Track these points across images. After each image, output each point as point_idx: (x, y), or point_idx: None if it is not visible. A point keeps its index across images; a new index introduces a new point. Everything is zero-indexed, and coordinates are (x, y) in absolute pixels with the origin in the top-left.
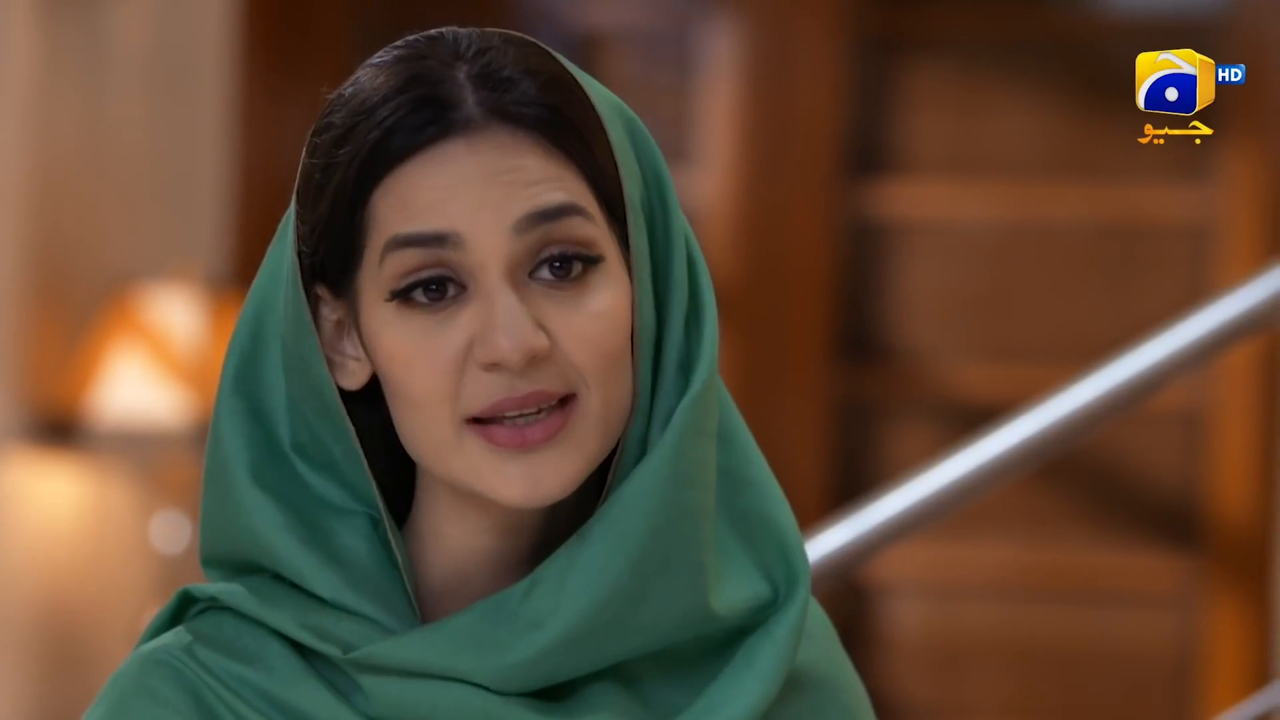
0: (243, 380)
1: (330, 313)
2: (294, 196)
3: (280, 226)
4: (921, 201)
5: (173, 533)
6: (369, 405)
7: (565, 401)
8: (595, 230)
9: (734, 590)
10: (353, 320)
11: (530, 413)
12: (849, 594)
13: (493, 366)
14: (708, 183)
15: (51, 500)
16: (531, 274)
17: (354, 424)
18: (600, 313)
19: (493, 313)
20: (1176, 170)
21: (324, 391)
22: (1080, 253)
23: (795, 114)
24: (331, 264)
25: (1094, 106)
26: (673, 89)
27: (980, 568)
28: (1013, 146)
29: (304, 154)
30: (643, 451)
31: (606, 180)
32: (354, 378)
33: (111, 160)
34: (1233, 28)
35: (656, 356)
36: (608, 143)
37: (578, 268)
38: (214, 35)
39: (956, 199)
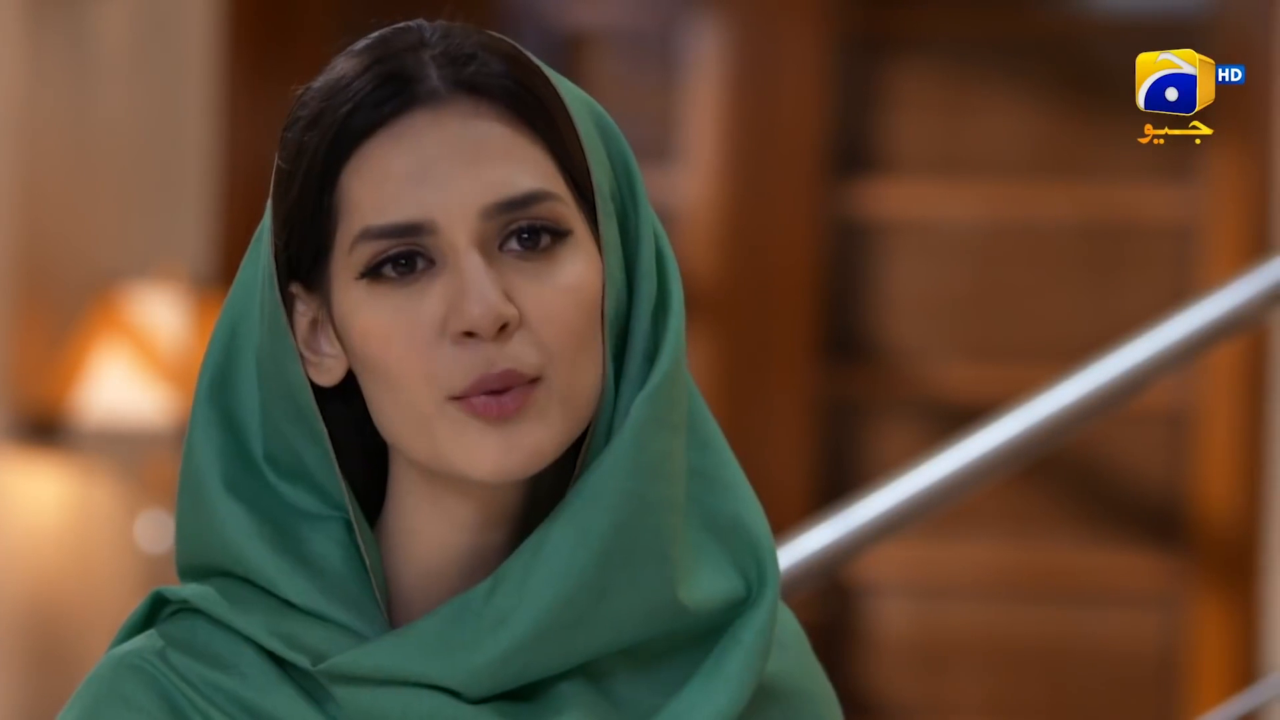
0: (217, 390)
1: (305, 310)
2: (269, 201)
3: (254, 240)
4: (906, 201)
5: (157, 532)
6: (344, 402)
7: (533, 381)
8: (562, 208)
9: (705, 584)
10: (326, 313)
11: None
12: (833, 593)
13: (466, 336)
14: (692, 182)
15: (36, 499)
16: (501, 246)
17: (328, 424)
18: (568, 286)
19: (463, 283)
20: (1161, 170)
21: (298, 394)
22: (1065, 252)
23: (780, 113)
24: (305, 253)
25: (1079, 106)
26: (657, 88)
27: (965, 567)
28: (997, 146)
29: (276, 155)
30: (609, 442)
31: (574, 162)
32: (330, 374)
33: (96, 160)
34: (1218, 28)
35: (624, 345)
36: (575, 130)
37: (546, 239)
38: (198, 35)
39: (941, 198)
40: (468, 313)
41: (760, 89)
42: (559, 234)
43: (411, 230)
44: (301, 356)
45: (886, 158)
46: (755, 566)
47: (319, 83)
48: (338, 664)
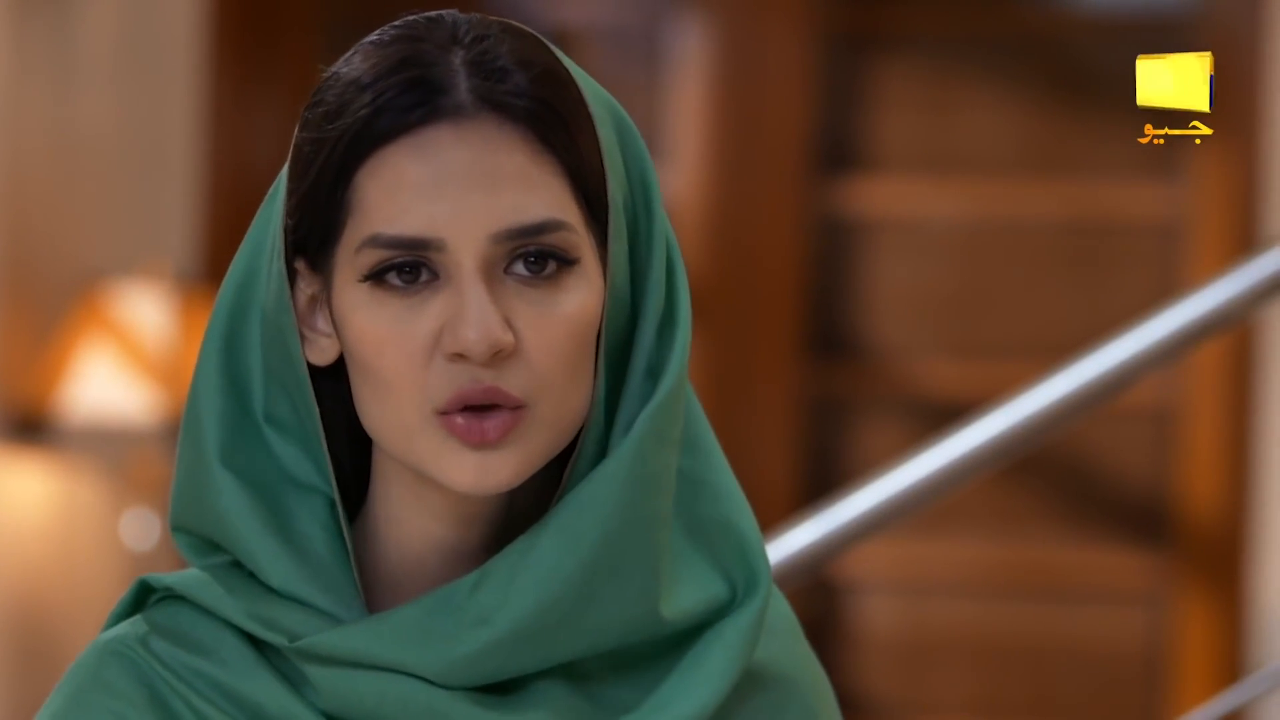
0: (226, 349)
1: (306, 286)
2: (285, 168)
3: (267, 198)
4: (891, 199)
5: (143, 530)
6: (335, 381)
7: (519, 408)
8: (573, 237)
9: (688, 595)
10: (325, 296)
11: (489, 405)
12: (818, 591)
13: (458, 357)
14: (677, 180)
15: (21, 498)
16: (507, 268)
17: (319, 401)
18: (569, 315)
19: (463, 305)
20: (1146, 168)
21: (297, 367)
22: (1050, 250)
23: (765, 111)
24: (312, 238)
25: (1064, 103)
26: (642, 86)
27: (950, 565)
28: (982, 143)
29: (296, 128)
30: (601, 452)
31: (591, 177)
32: (324, 354)
33: (81, 157)
34: (1201, 25)
35: (625, 359)
36: (596, 140)
37: (552, 266)
38: (183, 33)
39: (926, 196)
40: (463, 336)
41: (745, 87)
42: (566, 262)
43: (420, 245)
44: (300, 333)
45: (871, 155)
46: (744, 570)
47: (345, 69)
48: (314, 643)
